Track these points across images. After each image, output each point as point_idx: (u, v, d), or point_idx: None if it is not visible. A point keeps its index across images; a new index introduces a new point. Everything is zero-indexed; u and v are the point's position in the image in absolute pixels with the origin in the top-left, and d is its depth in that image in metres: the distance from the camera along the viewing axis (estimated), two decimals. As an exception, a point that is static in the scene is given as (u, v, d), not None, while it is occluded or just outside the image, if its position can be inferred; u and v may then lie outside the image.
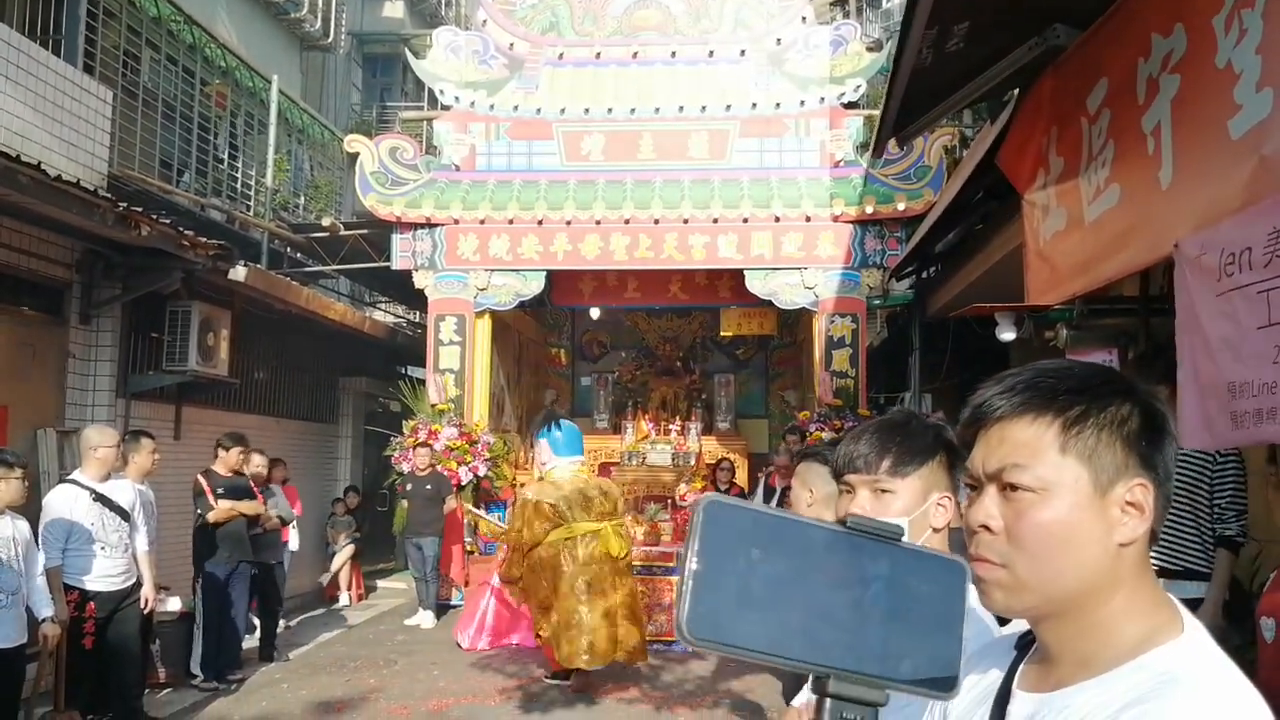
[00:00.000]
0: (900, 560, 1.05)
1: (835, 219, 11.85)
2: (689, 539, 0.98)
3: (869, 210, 11.71)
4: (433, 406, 12.05)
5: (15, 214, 7.70)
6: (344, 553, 13.10)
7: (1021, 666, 1.33)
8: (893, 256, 11.74)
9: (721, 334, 15.40)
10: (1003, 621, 1.59)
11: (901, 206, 11.60)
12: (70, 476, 6.92)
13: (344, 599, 13.07)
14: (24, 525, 5.99)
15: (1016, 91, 6.01)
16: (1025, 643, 1.35)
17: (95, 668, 6.79)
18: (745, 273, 12.01)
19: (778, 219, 11.81)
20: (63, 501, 6.65)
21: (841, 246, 11.90)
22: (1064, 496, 1.22)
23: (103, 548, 6.72)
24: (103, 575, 6.73)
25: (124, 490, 6.98)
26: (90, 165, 8.85)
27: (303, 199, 14.26)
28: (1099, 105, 4.63)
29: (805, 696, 2.29)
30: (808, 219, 11.85)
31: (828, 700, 1.01)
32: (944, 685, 1.05)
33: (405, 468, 11.70)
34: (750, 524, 0.99)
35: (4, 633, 5.56)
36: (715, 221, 11.82)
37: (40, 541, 6.31)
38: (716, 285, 14.13)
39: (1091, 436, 1.23)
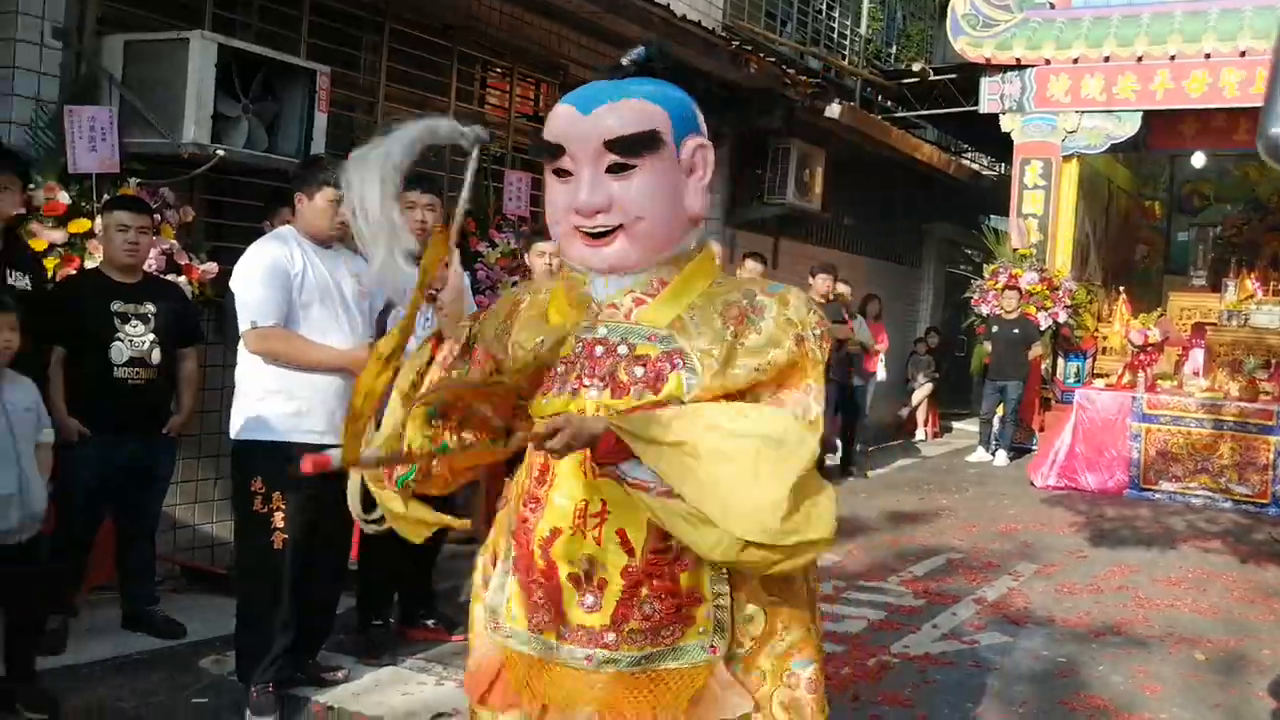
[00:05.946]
0: None
1: None
2: None
3: None
4: (1014, 250, 12.03)
5: (646, 55, 8.78)
6: (922, 390, 13.60)
7: None
8: None
9: (1350, 182, 13.72)
10: None
11: None
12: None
13: (920, 434, 13.66)
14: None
15: None
16: None
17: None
18: (1383, 108, 10.60)
19: None
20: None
21: None
22: None
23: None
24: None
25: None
26: (707, 13, 9.77)
27: (894, 48, 14.60)
28: None
29: None
30: None
31: None
32: None
33: (985, 310, 11.84)
34: None
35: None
36: (1349, 50, 10.51)
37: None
38: (1347, 126, 12.56)
39: None
